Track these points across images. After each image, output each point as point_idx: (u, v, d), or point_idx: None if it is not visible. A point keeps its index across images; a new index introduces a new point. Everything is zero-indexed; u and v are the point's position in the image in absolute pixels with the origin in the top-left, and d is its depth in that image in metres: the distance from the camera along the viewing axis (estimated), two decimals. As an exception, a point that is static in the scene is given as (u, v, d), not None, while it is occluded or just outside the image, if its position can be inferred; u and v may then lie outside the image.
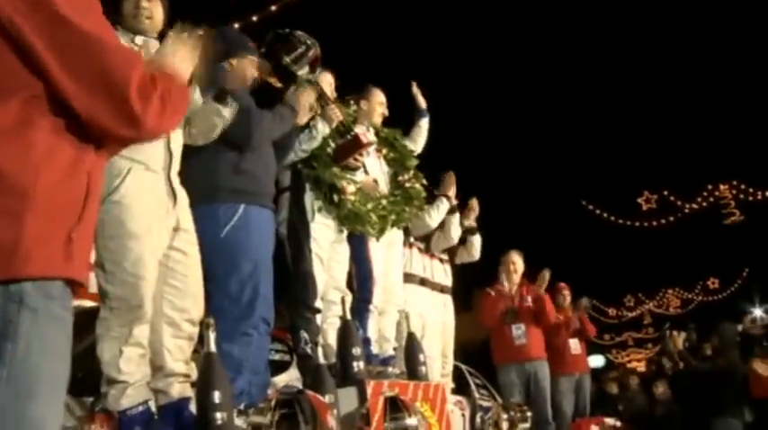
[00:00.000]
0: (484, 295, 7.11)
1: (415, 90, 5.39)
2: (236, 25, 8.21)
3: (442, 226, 5.63)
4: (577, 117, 16.96)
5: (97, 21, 1.55)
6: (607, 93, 16.94)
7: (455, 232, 5.72)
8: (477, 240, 6.08)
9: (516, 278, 7.05)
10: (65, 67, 1.48)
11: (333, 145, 4.19)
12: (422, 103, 5.40)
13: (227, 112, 3.19)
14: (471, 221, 5.99)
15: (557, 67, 15.90)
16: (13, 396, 1.46)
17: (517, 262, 7.10)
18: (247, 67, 3.67)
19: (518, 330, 6.86)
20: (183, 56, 1.84)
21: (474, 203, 5.99)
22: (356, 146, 4.14)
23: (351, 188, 4.21)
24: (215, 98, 3.12)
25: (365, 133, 4.30)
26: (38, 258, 1.47)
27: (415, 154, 5.22)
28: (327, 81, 4.29)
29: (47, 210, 1.48)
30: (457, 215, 5.70)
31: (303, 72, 3.95)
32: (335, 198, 4.12)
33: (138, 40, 3.09)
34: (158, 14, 3.14)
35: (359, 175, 4.42)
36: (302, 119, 3.83)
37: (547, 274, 7.08)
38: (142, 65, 1.58)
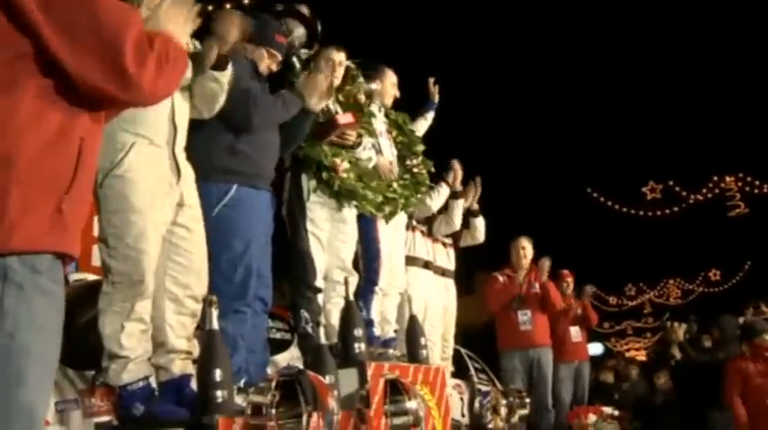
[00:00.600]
0: (491, 279, 7.12)
1: (432, 85, 5.53)
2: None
3: (446, 210, 5.62)
4: (584, 105, 16.87)
5: None
6: (614, 81, 16.84)
7: (458, 218, 5.73)
8: (480, 223, 6.07)
9: (526, 263, 7.05)
10: (55, 23, 1.38)
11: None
12: (434, 96, 5.52)
13: (225, 78, 3.14)
14: (473, 204, 5.96)
15: (564, 56, 15.80)
16: (1, 379, 1.41)
17: (527, 247, 7.10)
18: (260, 57, 3.63)
19: (524, 316, 6.88)
20: (177, 21, 1.73)
21: (476, 183, 5.95)
22: (332, 127, 4.08)
23: (345, 165, 4.16)
24: (213, 66, 3.08)
25: (347, 113, 4.19)
26: (23, 231, 1.41)
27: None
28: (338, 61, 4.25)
29: (32, 179, 1.40)
30: (461, 201, 5.70)
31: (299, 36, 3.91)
32: (325, 175, 4.09)
33: None
34: None
35: (363, 152, 4.36)
36: (316, 105, 3.78)
37: (546, 263, 7.07)
38: (140, 23, 1.49)
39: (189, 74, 2.96)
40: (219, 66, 3.11)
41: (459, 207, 5.72)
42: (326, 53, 4.28)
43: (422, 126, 5.44)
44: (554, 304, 7.10)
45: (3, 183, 1.39)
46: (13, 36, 1.39)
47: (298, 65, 4.00)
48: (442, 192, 5.46)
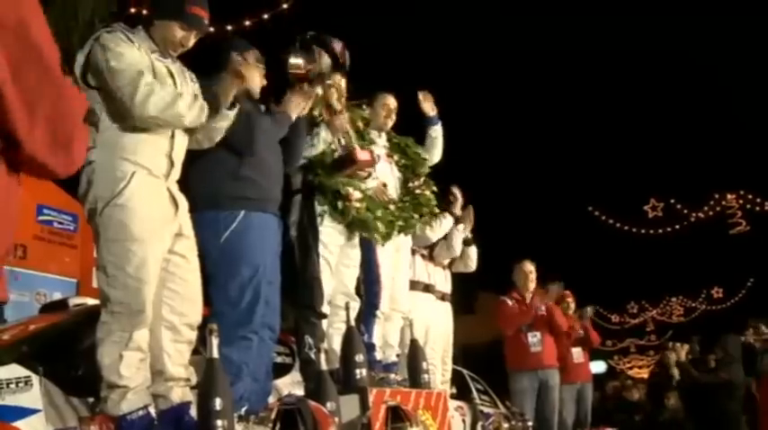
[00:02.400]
0: (501, 304, 7.14)
1: (422, 98, 5.18)
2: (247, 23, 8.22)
3: (447, 238, 5.62)
4: (585, 123, 16.92)
5: (55, 52, 1.42)
6: (615, 100, 16.90)
7: (458, 244, 5.71)
8: (473, 251, 6.05)
9: (532, 286, 7.09)
10: (22, 97, 1.34)
11: (335, 153, 4.17)
12: (429, 110, 5.20)
13: (231, 115, 3.17)
14: (467, 233, 5.93)
15: (564, 74, 15.87)
16: None
17: (533, 271, 7.14)
18: (252, 78, 3.64)
19: (534, 338, 6.93)
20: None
21: (470, 213, 5.88)
22: (349, 162, 4.11)
23: (357, 194, 4.17)
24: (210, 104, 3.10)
25: (365, 150, 4.22)
26: None
27: (430, 163, 5.12)
28: (339, 85, 4.25)
29: None
30: (461, 226, 5.68)
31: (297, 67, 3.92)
32: (339, 205, 4.10)
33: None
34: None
35: (369, 181, 4.39)
36: (293, 117, 3.79)
37: (555, 289, 7.09)
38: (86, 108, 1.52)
39: (204, 119, 2.99)
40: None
41: (461, 233, 5.71)
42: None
43: (431, 146, 5.17)
44: (560, 326, 7.14)
45: None
46: None
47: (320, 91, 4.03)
48: (445, 223, 5.44)
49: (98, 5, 9.62)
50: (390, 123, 4.92)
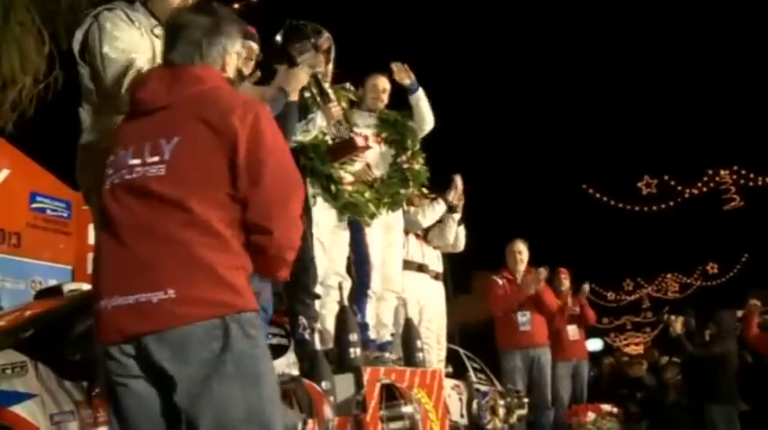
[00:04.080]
0: (492, 283, 7.16)
1: (395, 69, 4.93)
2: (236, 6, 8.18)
3: (441, 224, 5.62)
4: (578, 101, 16.90)
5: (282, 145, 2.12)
6: (608, 77, 16.88)
7: (451, 233, 5.70)
8: (461, 231, 6.01)
9: (522, 266, 7.10)
10: (254, 191, 1.99)
11: (329, 140, 4.17)
12: (405, 79, 4.93)
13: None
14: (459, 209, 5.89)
15: (556, 52, 15.83)
16: None
17: (523, 250, 7.15)
18: (239, 55, 3.61)
19: (523, 317, 6.97)
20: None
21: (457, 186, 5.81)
22: (350, 148, 4.17)
23: (349, 178, 4.19)
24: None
25: (361, 136, 4.26)
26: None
27: (423, 132, 5.00)
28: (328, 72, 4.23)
29: None
30: (456, 216, 5.66)
31: (306, 58, 3.90)
32: (333, 188, 4.11)
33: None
34: None
35: (358, 166, 4.40)
36: (292, 97, 3.77)
37: (543, 273, 7.10)
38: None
39: None
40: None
41: (455, 222, 5.68)
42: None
43: (416, 115, 4.98)
44: (548, 305, 7.16)
45: None
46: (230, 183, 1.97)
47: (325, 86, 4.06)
48: (438, 209, 5.43)
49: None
50: (381, 105, 4.89)
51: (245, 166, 1.95)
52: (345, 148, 4.17)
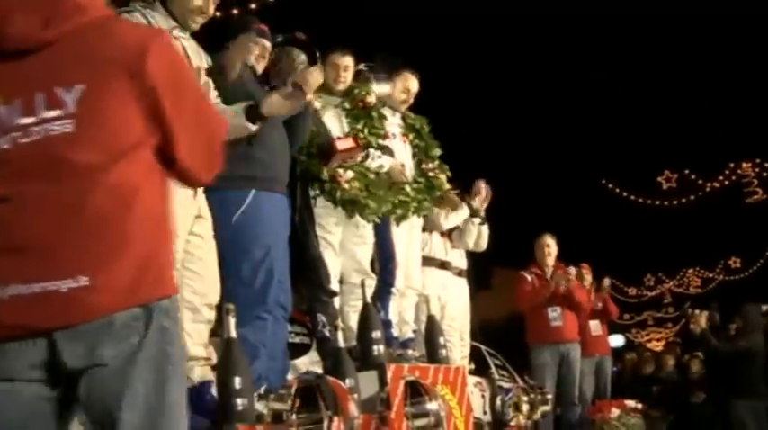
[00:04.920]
0: (520, 279, 7.14)
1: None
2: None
3: (462, 227, 5.60)
4: (597, 96, 16.75)
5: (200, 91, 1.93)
6: (626, 70, 16.72)
7: (471, 238, 5.68)
8: (484, 230, 5.98)
9: (551, 261, 7.07)
10: (185, 128, 1.75)
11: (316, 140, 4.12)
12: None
13: (254, 128, 3.18)
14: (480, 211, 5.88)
15: (575, 46, 15.69)
16: None
17: (551, 244, 7.14)
18: (247, 48, 3.61)
19: (554, 312, 6.98)
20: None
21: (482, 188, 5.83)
22: (331, 152, 4.09)
23: (348, 174, 4.15)
24: (246, 115, 3.11)
25: (347, 137, 4.19)
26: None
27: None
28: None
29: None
30: (477, 220, 5.64)
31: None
32: (327, 186, 4.10)
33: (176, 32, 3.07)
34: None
35: (379, 162, 4.37)
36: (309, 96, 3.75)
37: (573, 271, 7.06)
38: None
39: (211, 97, 3.01)
40: (252, 117, 3.13)
41: (475, 226, 5.65)
42: (331, 58, 4.28)
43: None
44: (579, 303, 7.13)
45: None
46: (153, 132, 1.71)
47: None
48: (461, 213, 5.43)
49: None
50: (406, 105, 4.90)
51: (172, 114, 1.69)
52: (328, 154, 4.10)
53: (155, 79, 1.66)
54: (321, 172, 4.10)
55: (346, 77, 4.39)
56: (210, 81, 3.03)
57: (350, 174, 4.18)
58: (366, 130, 4.36)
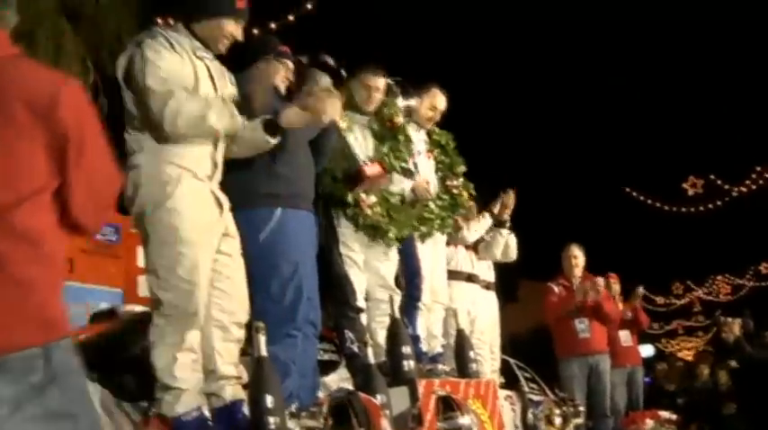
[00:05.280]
0: (547, 290, 7.09)
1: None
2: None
3: (488, 238, 5.57)
4: (618, 103, 16.66)
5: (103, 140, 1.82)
6: (649, 77, 16.63)
7: (498, 249, 5.65)
8: (512, 241, 5.96)
9: (578, 272, 7.01)
10: (84, 179, 1.72)
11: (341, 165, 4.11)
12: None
13: (273, 143, 3.17)
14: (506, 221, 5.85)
15: (595, 55, 15.64)
16: None
17: (578, 255, 7.07)
18: (274, 70, 3.64)
19: (581, 324, 6.90)
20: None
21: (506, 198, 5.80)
22: (359, 179, 4.08)
23: (371, 199, 4.15)
24: (265, 127, 3.10)
25: (374, 164, 4.16)
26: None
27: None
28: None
29: None
30: (504, 232, 5.61)
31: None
32: (350, 211, 4.10)
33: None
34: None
35: (400, 186, 4.36)
36: (325, 120, 3.75)
37: (601, 281, 6.99)
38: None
39: (237, 126, 3.01)
40: (271, 130, 3.12)
41: (502, 237, 5.63)
42: (364, 78, 4.27)
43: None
44: (608, 314, 7.05)
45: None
46: (51, 180, 1.68)
47: None
48: (483, 223, 5.40)
49: (123, 20, 9.80)
50: (432, 122, 4.89)
51: (74, 163, 1.69)
52: (356, 180, 4.09)
53: (65, 126, 1.67)
54: (346, 196, 4.11)
55: (377, 99, 4.36)
56: (236, 110, 3.04)
57: (372, 198, 4.18)
58: (391, 155, 4.36)
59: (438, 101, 4.84)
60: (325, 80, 3.82)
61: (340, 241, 4.11)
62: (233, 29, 3.16)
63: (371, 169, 4.10)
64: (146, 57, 2.93)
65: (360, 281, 4.14)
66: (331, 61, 3.91)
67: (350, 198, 4.09)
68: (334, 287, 4.03)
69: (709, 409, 9.37)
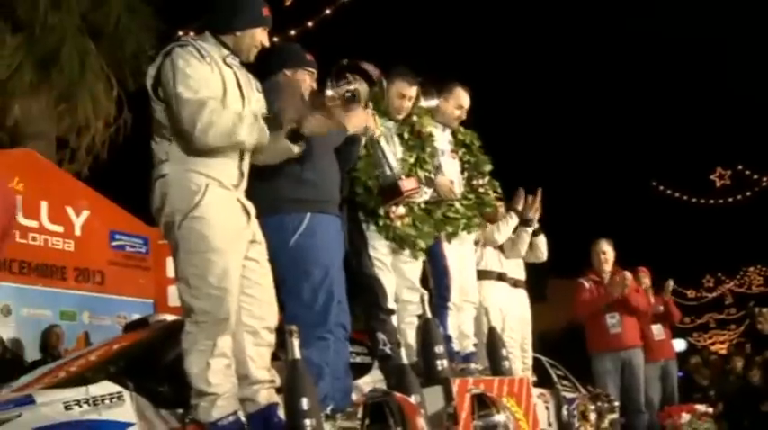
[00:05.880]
0: (578, 286, 7.05)
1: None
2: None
3: (514, 237, 5.54)
4: (643, 98, 16.52)
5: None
6: (675, 70, 16.47)
7: (524, 246, 5.61)
8: (541, 241, 5.90)
9: (608, 267, 6.97)
10: None
11: (374, 175, 4.07)
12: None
13: (297, 150, 3.20)
14: (534, 222, 5.81)
15: (623, 47, 15.52)
16: None
17: (608, 251, 7.03)
18: (302, 79, 3.67)
19: (612, 319, 6.87)
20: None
21: (536, 199, 5.76)
22: (395, 193, 4.05)
23: (401, 210, 4.14)
24: (288, 137, 3.12)
25: (411, 178, 4.15)
26: None
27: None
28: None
29: None
30: (529, 230, 5.58)
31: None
32: (381, 222, 4.10)
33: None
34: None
35: (424, 197, 4.36)
36: (350, 128, 3.74)
37: (629, 276, 6.93)
38: None
39: (265, 140, 3.03)
40: (295, 138, 3.15)
41: (528, 235, 5.59)
42: (398, 85, 4.26)
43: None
44: (636, 307, 6.98)
45: None
46: None
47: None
48: (511, 223, 5.37)
49: (143, 37, 9.94)
50: (458, 121, 4.88)
51: None
52: (392, 193, 4.06)
53: None
54: (378, 208, 4.11)
55: (408, 107, 4.36)
56: (265, 125, 3.06)
57: (402, 210, 4.19)
58: (418, 165, 4.36)
59: (463, 99, 4.82)
60: (363, 87, 3.83)
61: (369, 244, 4.12)
62: (263, 37, 3.20)
63: (408, 184, 4.08)
64: (176, 65, 2.95)
65: (389, 283, 4.14)
66: (371, 68, 3.91)
67: (381, 210, 4.11)
68: (365, 290, 4.04)
69: (745, 404, 9.22)
